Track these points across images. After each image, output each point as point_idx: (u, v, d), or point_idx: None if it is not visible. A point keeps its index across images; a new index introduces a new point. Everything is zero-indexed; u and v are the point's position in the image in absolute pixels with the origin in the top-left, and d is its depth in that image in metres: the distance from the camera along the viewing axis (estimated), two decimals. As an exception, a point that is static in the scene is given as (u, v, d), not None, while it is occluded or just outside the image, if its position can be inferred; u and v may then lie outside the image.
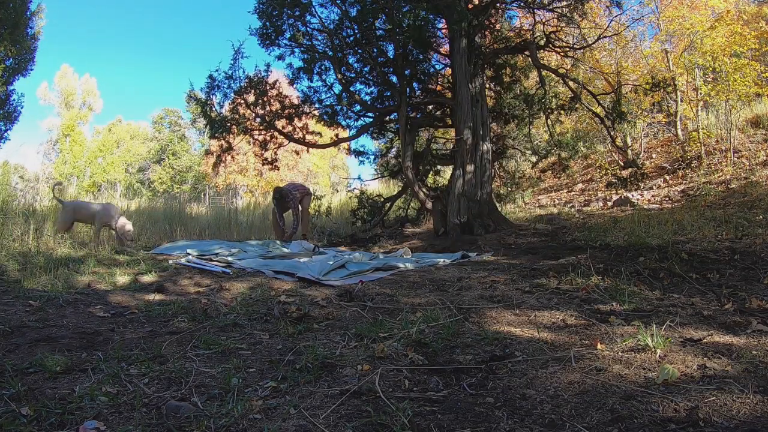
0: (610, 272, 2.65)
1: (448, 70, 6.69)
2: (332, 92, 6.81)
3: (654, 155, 10.31)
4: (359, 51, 6.41)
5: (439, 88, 7.05)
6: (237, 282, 3.11)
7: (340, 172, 28.78)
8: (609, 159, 10.66)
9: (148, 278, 3.17)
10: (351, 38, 6.37)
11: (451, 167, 6.32)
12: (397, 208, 7.38)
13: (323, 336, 1.83)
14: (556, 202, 9.61)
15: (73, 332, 1.84)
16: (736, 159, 8.04)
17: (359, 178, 7.76)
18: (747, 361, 1.34)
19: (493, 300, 2.30)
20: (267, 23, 6.24)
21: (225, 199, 17.28)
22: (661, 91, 7.43)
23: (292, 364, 1.48)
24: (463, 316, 2.00)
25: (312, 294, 2.70)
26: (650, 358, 1.40)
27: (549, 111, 6.82)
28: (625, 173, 7.91)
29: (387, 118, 6.76)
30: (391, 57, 6.32)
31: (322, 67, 6.59)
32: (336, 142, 6.87)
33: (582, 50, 6.99)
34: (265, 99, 6.47)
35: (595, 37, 6.86)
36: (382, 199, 7.05)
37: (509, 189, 7.94)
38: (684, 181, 8.19)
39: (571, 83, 6.57)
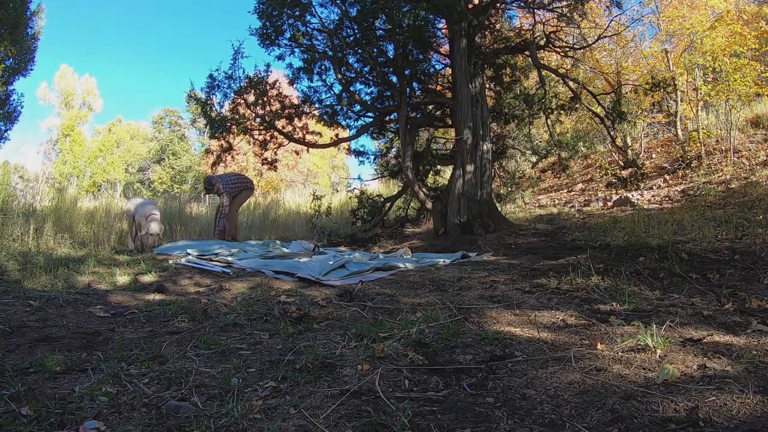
0: (610, 272, 2.65)
1: (448, 70, 6.69)
2: (332, 92, 6.81)
3: (654, 155, 10.31)
4: (359, 51, 6.40)
5: (439, 88, 7.05)
6: (237, 282, 3.11)
7: (340, 172, 28.79)
8: (609, 159, 10.66)
9: (148, 278, 3.17)
10: (351, 38, 6.37)
11: (451, 167, 6.32)
12: (397, 208, 7.37)
13: (323, 336, 1.83)
14: (556, 202, 9.61)
15: (73, 332, 1.84)
16: (736, 159, 8.04)
17: (359, 178, 7.77)
18: (747, 361, 1.34)
19: (493, 300, 2.30)
20: (267, 23, 6.23)
21: (225, 199, 17.20)
22: (661, 91, 7.43)
23: (292, 364, 1.48)
24: (463, 316, 2.00)
25: (312, 294, 2.70)
26: (650, 358, 1.40)
27: (549, 111, 6.81)
28: (625, 173, 7.91)
29: (387, 118, 6.75)
30: (391, 57, 6.31)
31: (322, 67, 6.59)
32: (336, 142, 6.86)
33: (582, 50, 6.98)
34: (265, 99, 6.47)
35: (595, 37, 6.85)
36: (382, 199, 7.05)
37: (509, 189, 7.94)
38: (684, 181, 8.19)
39: (571, 83, 6.56)
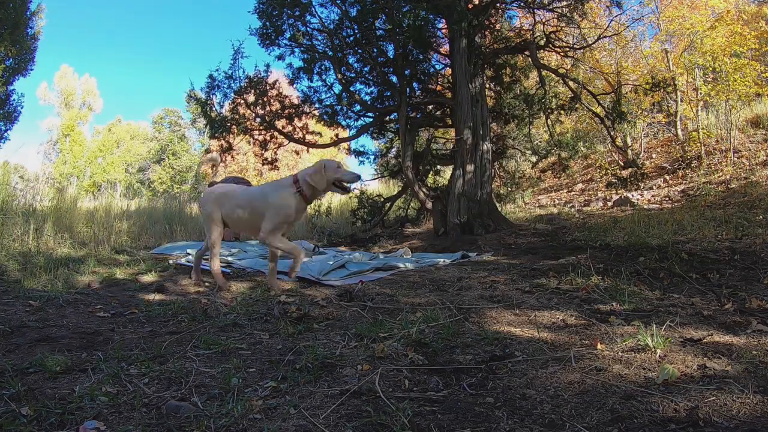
0: (610, 272, 2.65)
1: (448, 70, 6.69)
2: (332, 92, 6.80)
3: (654, 155, 10.31)
4: (359, 51, 6.40)
5: (439, 88, 7.05)
6: (237, 282, 3.11)
7: (340, 172, 28.71)
8: (609, 159, 10.66)
9: (148, 278, 3.17)
10: (351, 38, 6.36)
11: (451, 167, 6.32)
12: (397, 208, 7.37)
13: (323, 336, 1.83)
14: (556, 202, 9.62)
15: (73, 332, 1.84)
16: (736, 159, 8.04)
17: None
18: (747, 361, 1.34)
19: (493, 300, 2.30)
20: (267, 23, 6.23)
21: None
22: (661, 91, 7.43)
23: (292, 364, 1.48)
24: (463, 316, 2.00)
25: (312, 294, 2.70)
26: (650, 358, 1.40)
27: (549, 111, 6.81)
28: (625, 173, 7.91)
29: (387, 118, 6.75)
30: (391, 57, 6.31)
31: (322, 67, 6.58)
32: (336, 142, 6.86)
33: (582, 50, 6.98)
34: (265, 99, 6.46)
35: (595, 37, 6.85)
36: (382, 199, 7.05)
37: (509, 189, 7.94)
38: (684, 181, 8.19)
39: (571, 83, 6.56)
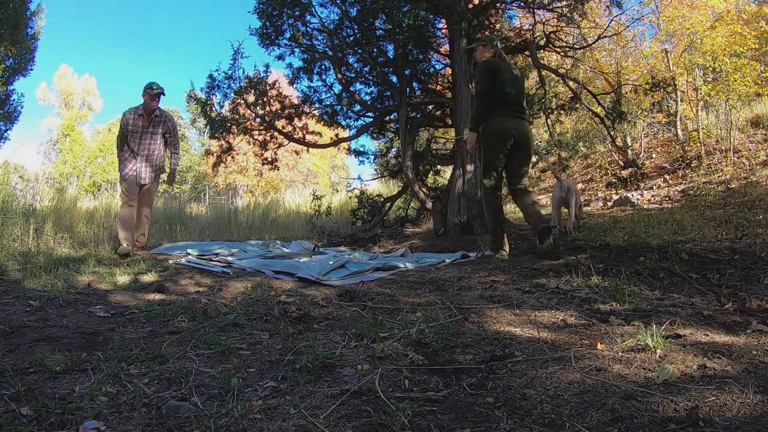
0: (610, 272, 2.65)
1: (448, 70, 6.69)
2: (332, 92, 6.81)
3: (654, 155, 10.31)
4: (359, 51, 6.40)
5: (439, 88, 7.05)
6: (237, 282, 3.11)
7: (340, 172, 28.80)
8: (609, 159, 10.66)
9: (148, 278, 3.17)
10: (351, 38, 6.36)
11: (451, 167, 6.32)
12: (397, 208, 7.37)
13: (323, 336, 1.83)
14: (556, 202, 9.59)
15: (73, 332, 1.84)
16: (736, 159, 8.04)
17: (359, 178, 7.76)
18: (747, 361, 1.34)
19: (493, 300, 2.30)
20: (267, 23, 6.23)
21: (225, 199, 17.29)
22: (661, 91, 7.43)
23: (292, 364, 1.48)
24: (463, 316, 2.00)
25: (312, 294, 2.70)
26: (650, 358, 1.40)
27: (549, 111, 6.81)
28: (625, 173, 7.92)
29: (387, 118, 6.75)
30: (391, 57, 6.31)
31: (322, 67, 6.58)
32: (336, 142, 6.86)
33: (582, 50, 6.98)
34: (265, 99, 6.46)
35: (595, 37, 6.85)
36: (382, 199, 7.05)
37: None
38: (684, 181, 8.19)
39: (571, 83, 6.56)
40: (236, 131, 6.44)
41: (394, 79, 6.36)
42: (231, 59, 6.22)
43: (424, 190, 6.15)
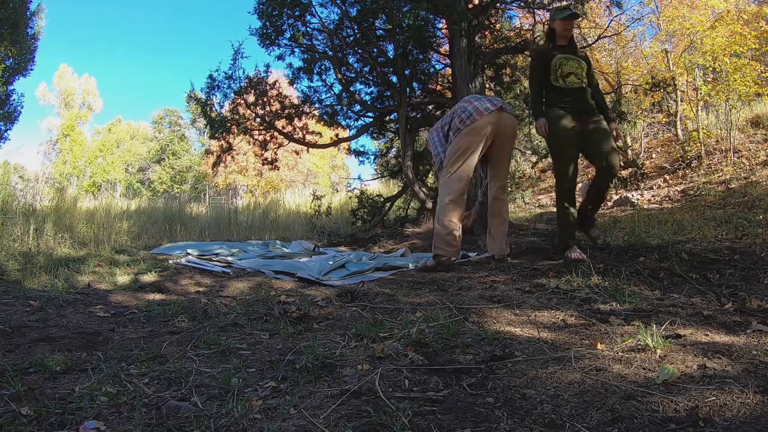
0: (610, 272, 2.65)
1: (448, 70, 6.69)
2: (332, 92, 6.80)
3: (654, 155, 10.31)
4: (359, 51, 6.40)
5: (439, 88, 7.04)
6: (237, 282, 3.11)
7: (340, 172, 28.81)
8: (609, 159, 10.64)
9: (148, 278, 3.17)
10: (351, 38, 6.36)
11: (451, 167, 6.30)
12: (397, 208, 7.37)
13: (323, 336, 1.83)
14: (556, 202, 9.60)
15: (73, 332, 1.84)
16: (736, 159, 8.04)
17: (359, 178, 7.75)
18: (747, 361, 1.34)
19: (493, 300, 2.30)
20: (267, 23, 6.23)
21: (225, 199, 17.29)
22: (661, 91, 7.43)
23: (292, 364, 1.48)
24: (463, 316, 2.00)
25: (312, 294, 2.70)
26: (650, 358, 1.40)
27: (549, 111, 6.80)
28: (625, 173, 7.90)
29: (387, 118, 6.75)
30: (391, 57, 6.31)
31: (322, 67, 6.58)
32: (336, 142, 6.86)
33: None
34: (265, 99, 6.46)
35: (595, 37, 6.85)
36: (382, 199, 7.04)
37: (509, 189, 7.93)
38: (684, 181, 8.19)
39: (571, 83, 6.55)
40: (236, 131, 6.43)
41: (394, 79, 6.36)
42: (231, 59, 6.22)
43: (424, 190, 6.15)
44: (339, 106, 6.81)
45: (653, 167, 9.46)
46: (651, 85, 6.99)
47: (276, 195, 14.29)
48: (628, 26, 9.49)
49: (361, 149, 7.54)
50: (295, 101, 6.89)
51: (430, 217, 6.36)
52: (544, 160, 8.30)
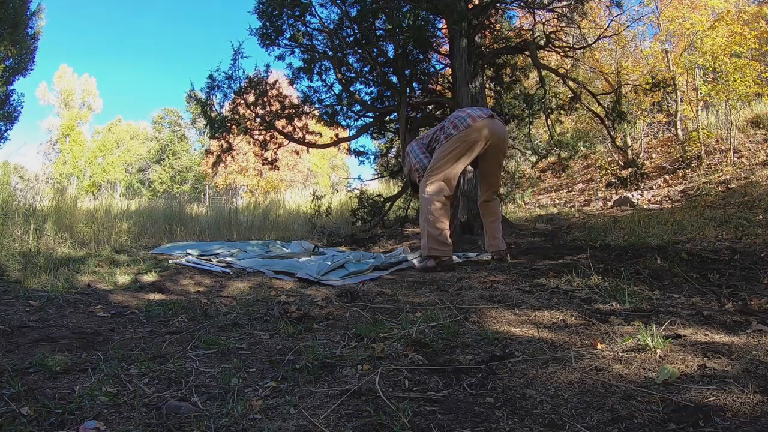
0: (610, 272, 2.65)
1: (448, 70, 6.69)
2: (332, 92, 6.80)
3: (654, 155, 10.32)
4: (359, 51, 6.40)
5: (439, 88, 7.05)
6: (237, 282, 3.11)
7: (340, 172, 28.83)
8: (609, 159, 10.67)
9: (148, 278, 3.17)
10: (351, 38, 6.36)
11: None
12: (397, 208, 7.37)
13: (323, 336, 1.83)
14: (556, 202, 9.62)
15: (73, 332, 1.84)
16: (736, 159, 8.04)
17: (359, 178, 7.76)
18: (747, 361, 1.34)
19: (493, 300, 2.30)
20: (267, 23, 6.23)
21: (225, 199, 17.29)
22: (661, 91, 7.42)
23: (292, 364, 1.48)
24: (463, 316, 2.00)
25: (312, 294, 2.70)
26: (650, 358, 1.40)
27: (549, 111, 6.81)
28: (625, 173, 7.91)
29: (387, 118, 6.75)
30: (391, 57, 6.31)
31: (322, 67, 6.58)
32: (336, 142, 6.86)
33: (582, 50, 6.98)
34: (265, 99, 6.46)
35: (595, 37, 6.85)
36: (382, 199, 7.04)
37: (509, 189, 7.94)
38: (684, 181, 8.19)
39: (571, 83, 6.56)
40: (236, 131, 6.43)
41: (394, 79, 6.36)
42: (231, 59, 6.22)
43: (424, 190, 6.14)
44: (339, 106, 6.81)
45: (653, 167, 9.46)
46: (651, 85, 6.99)
47: (276, 195, 14.30)
48: (628, 26, 9.50)
49: (361, 149, 7.56)
50: (295, 101, 6.89)
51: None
52: (544, 160, 8.30)
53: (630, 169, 7.62)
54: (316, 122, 7.10)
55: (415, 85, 6.77)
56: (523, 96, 6.77)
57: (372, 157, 7.78)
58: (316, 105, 6.87)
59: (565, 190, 10.70)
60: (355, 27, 6.24)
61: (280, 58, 6.52)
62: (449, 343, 1.67)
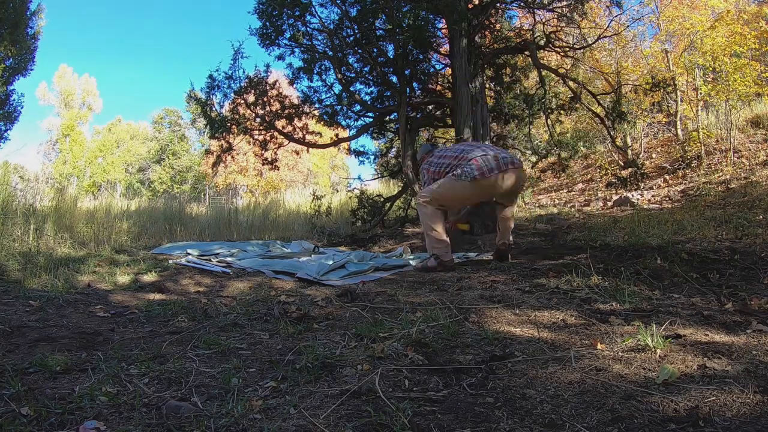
0: (610, 272, 2.65)
1: (448, 70, 6.69)
2: (332, 92, 6.80)
3: (654, 155, 10.31)
4: (359, 51, 6.40)
5: (439, 88, 7.04)
6: (237, 282, 3.11)
7: (340, 172, 28.83)
8: (609, 159, 10.66)
9: (148, 278, 3.17)
10: (351, 38, 6.36)
11: (451, 167, 6.30)
12: (397, 208, 7.37)
13: (323, 336, 1.83)
14: (556, 202, 9.62)
15: (73, 332, 1.84)
16: (736, 159, 8.04)
17: (359, 178, 7.75)
18: (747, 361, 1.34)
19: (493, 300, 2.30)
20: (267, 23, 6.23)
21: (225, 199, 17.29)
22: (661, 91, 7.42)
23: (292, 364, 1.48)
24: (463, 316, 2.00)
25: (312, 294, 2.70)
26: (650, 358, 1.40)
27: (549, 111, 6.81)
28: (625, 173, 7.91)
29: (387, 118, 6.75)
30: (391, 57, 6.31)
31: (322, 67, 6.58)
32: (336, 142, 6.86)
33: (582, 50, 6.98)
34: (265, 99, 6.46)
35: (595, 37, 6.85)
36: (382, 199, 7.04)
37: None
38: (684, 181, 8.19)
39: (571, 83, 6.56)
40: (236, 131, 6.43)
41: (394, 79, 6.36)
42: (231, 59, 6.22)
43: (424, 190, 6.14)
44: (339, 106, 6.81)
45: (653, 167, 9.46)
46: (651, 85, 6.99)
47: (276, 195, 14.29)
48: (628, 26, 9.50)
49: (361, 149, 7.54)
50: (295, 101, 6.88)
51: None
52: (544, 160, 8.30)
53: (630, 169, 7.62)
54: (316, 122, 7.09)
55: (415, 85, 6.77)
56: (523, 96, 6.77)
57: (372, 157, 7.77)
58: (316, 105, 6.87)
59: (565, 190, 10.70)
60: (355, 27, 6.24)
61: (280, 58, 6.52)
62: (449, 343, 1.67)
